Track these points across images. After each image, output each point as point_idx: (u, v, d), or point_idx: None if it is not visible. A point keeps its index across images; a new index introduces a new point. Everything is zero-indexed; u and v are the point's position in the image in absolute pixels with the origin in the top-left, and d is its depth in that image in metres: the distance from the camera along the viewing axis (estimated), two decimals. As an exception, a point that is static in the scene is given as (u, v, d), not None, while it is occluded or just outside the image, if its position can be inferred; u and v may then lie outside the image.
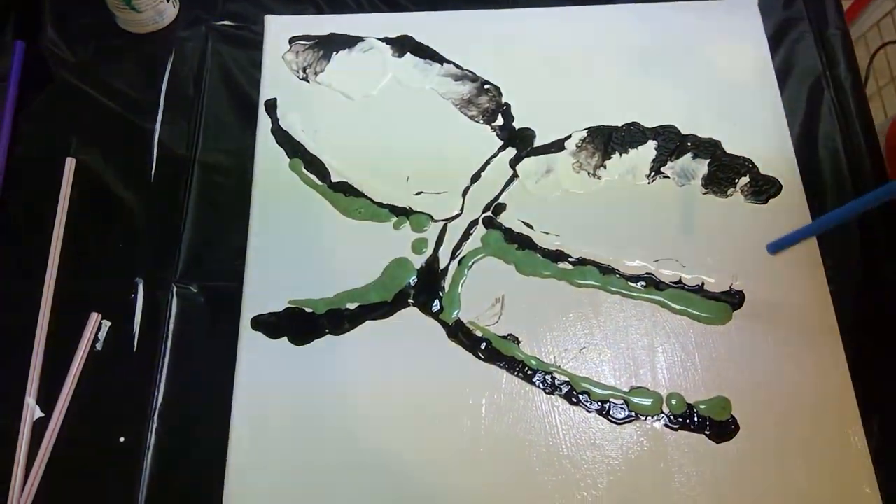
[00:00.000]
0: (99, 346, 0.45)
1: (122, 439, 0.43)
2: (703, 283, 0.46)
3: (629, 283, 0.46)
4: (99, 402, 0.44)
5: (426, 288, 0.46)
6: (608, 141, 0.50)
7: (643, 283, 0.46)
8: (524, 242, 0.47)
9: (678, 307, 0.45)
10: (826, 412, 0.43)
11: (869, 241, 0.49)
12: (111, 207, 0.49)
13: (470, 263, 0.47)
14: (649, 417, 0.43)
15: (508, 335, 0.44)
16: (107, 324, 0.46)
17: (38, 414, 0.43)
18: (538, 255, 0.47)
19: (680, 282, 0.46)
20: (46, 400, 0.43)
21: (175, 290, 0.46)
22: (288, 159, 0.50)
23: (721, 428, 0.42)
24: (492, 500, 0.41)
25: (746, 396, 0.43)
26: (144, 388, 0.44)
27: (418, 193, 0.49)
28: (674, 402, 0.43)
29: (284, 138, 0.50)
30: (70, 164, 0.50)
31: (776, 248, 0.45)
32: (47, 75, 0.54)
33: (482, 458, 0.41)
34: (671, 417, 0.43)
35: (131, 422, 0.43)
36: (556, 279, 0.46)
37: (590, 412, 0.43)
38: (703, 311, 0.45)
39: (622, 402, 0.43)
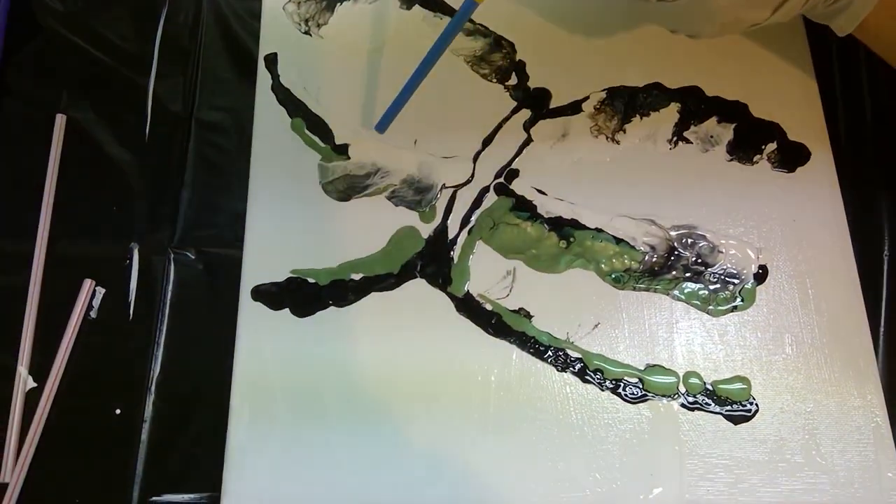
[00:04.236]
0: (93, 314, 0.43)
1: (118, 411, 0.41)
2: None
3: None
4: (94, 373, 0.42)
5: (434, 259, 0.43)
6: (628, 103, 0.47)
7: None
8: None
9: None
10: (851, 394, 0.41)
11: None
12: (104, 167, 0.47)
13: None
14: (665, 397, 0.41)
15: (520, 309, 0.43)
16: (101, 290, 0.44)
17: (31, 384, 0.41)
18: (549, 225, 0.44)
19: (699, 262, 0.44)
20: (39, 370, 0.42)
21: (172, 255, 0.44)
22: (290, 119, 0.47)
23: (740, 409, 0.41)
24: (501, 478, 0.39)
25: (768, 376, 0.41)
26: (141, 358, 0.42)
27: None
28: (691, 381, 0.41)
29: (285, 96, 0.47)
30: (60, 120, 0.48)
31: (383, 125, 0.45)
32: (35, 26, 0.51)
33: (491, 436, 0.40)
34: (688, 397, 0.41)
35: (128, 393, 0.42)
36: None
37: (603, 391, 0.41)
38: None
39: (637, 380, 0.41)
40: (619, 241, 0.44)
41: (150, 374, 0.42)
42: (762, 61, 0.49)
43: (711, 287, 0.43)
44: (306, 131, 0.46)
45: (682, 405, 0.41)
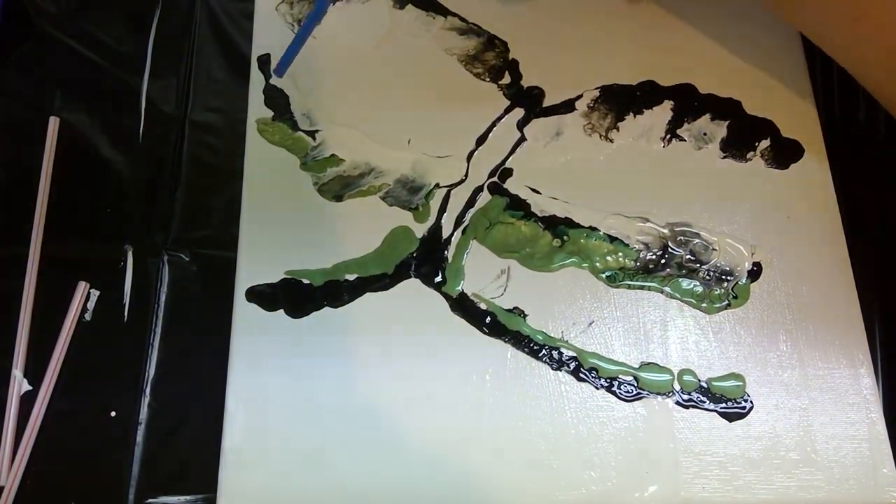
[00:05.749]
0: (88, 317, 0.43)
1: (113, 413, 0.41)
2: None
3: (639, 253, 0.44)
4: (89, 375, 0.42)
5: (428, 258, 0.43)
6: (621, 101, 0.47)
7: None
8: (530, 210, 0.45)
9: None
10: (846, 390, 0.41)
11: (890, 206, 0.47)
12: (97, 169, 0.47)
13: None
14: (659, 395, 0.41)
15: (514, 308, 0.43)
16: (95, 293, 0.44)
17: (26, 387, 0.41)
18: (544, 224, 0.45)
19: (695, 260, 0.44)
20: (34, 373, 0.42)
21: (166, 257, 0.44)
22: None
23: (734, 406, 0.41)
24: (496, 478, 0.39)
25: (762, 373, 0.41)
26: (136, 360, 0.42)
27: (420, 157, 0.46)
28: (685, 379, 0.41)
29: (278, 97, 0.47)
30: (54, 123, 0.47)
31: (282, 70, 0.46)
32: (28, 27, 0.50)
33: (486, 436, 0.40)
34: (682, 395, 0.41)
35: (123, 395, 0.42)
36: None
37: (597, 389, 0.41)
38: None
39: (631, 378, 0.41)
40: (612, 239, 0.44)
41: (145, 375, 0.42)
42: (755, 58, 0.49)
43: (705, 284, 0.43)
44: (299, 131, 0.46)
45: (677, 403, 0.41)
